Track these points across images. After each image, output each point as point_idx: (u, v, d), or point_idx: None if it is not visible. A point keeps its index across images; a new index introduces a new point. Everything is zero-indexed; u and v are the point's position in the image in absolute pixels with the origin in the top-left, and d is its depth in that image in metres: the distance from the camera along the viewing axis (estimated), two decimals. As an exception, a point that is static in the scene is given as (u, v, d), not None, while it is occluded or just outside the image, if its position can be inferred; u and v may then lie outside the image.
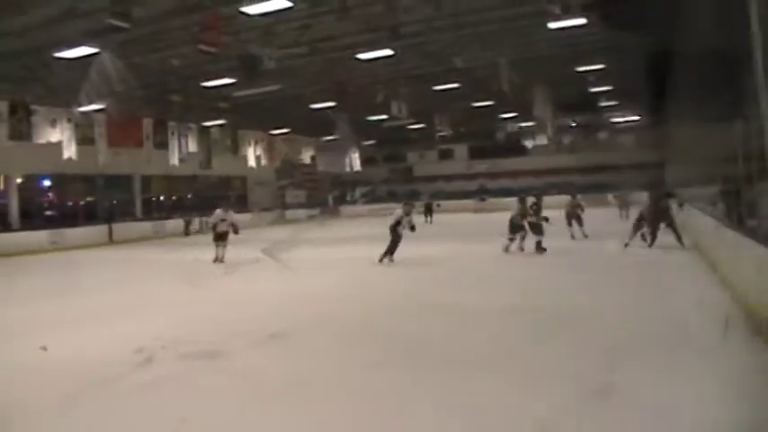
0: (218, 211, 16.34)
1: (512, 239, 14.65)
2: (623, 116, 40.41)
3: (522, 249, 14.50)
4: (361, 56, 20.37)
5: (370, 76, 24.51)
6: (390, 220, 14.03)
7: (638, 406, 4.57)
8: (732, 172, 7.64)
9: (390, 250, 13.85)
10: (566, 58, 23.24)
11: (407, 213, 13.94)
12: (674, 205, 13.43)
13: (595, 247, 14.95)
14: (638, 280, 10.27)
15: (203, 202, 34.81)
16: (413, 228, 13.79)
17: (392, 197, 46.83)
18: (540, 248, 14.13)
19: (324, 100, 27.67)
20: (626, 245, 13.92)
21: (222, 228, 16.09)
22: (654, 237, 13.83)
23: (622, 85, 28.49)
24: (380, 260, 13.77)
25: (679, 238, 13.47)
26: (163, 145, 29.60)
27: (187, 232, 29.64)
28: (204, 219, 26.91)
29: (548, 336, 6.95)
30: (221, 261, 15.75)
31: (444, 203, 40.07)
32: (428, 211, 30.41)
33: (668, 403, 4.57)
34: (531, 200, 14.92)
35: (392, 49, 19.63)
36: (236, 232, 16.13)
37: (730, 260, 8.09)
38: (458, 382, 5.44)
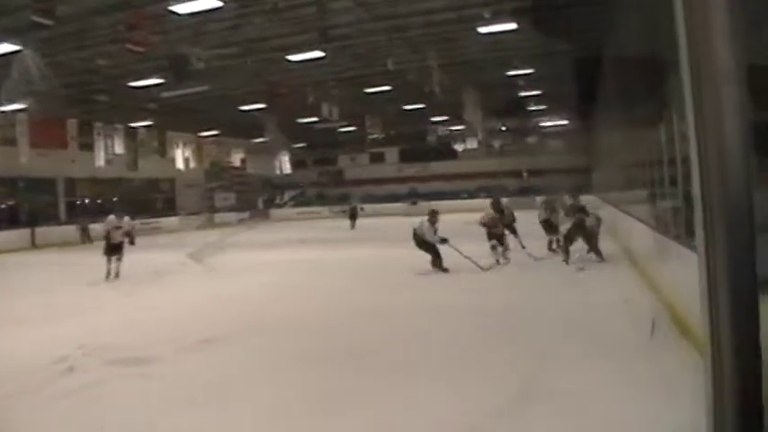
0: (111, 218, 14.14)
1: (494, 247, 13.09)
2: (552, 120, 41.30)
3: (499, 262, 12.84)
4: (292, 57, 20.23)
5: (301, 78, 24.35)
6: (418, 231, 12.49)
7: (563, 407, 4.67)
8: (658, 176, 7.91)
9: (436, 259, 12.35)
10: (496, 62, 23.63)
11: (433, 223, 12.40)
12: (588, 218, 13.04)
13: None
14: (561, 282, 10.55)
15: (130, 205, 33.99)
16: (443, 240, 12.17)
17: (322, 200, 46.86)
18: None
19: (254, 102, 27.35)
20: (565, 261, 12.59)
21: (116, 238, 13.74)
22: (566, 253, 12.67)
23: (552, 89, 29.09)
24: (441, 268, 12.23)
25: (597, 253, 12.58)
26: (88, 146, 28.98)
27: (85, 239, 27.04)
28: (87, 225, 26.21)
29: (481, 336, 7.05)
30: (116, 277, 13.49)
31: (375, 207, 40.24)
32: (352, 216, 30.02)
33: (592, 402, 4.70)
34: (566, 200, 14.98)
35: (323, 50, 19.56)
36: (131, 242, 14.15)
37: (656, 264, 8.38)
38: (388, 383, 5.45)
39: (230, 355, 6.84)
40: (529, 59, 23.28)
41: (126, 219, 14.42)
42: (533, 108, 35.67)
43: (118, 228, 13.84)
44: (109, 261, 13.62)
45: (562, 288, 9.87)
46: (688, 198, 5.79)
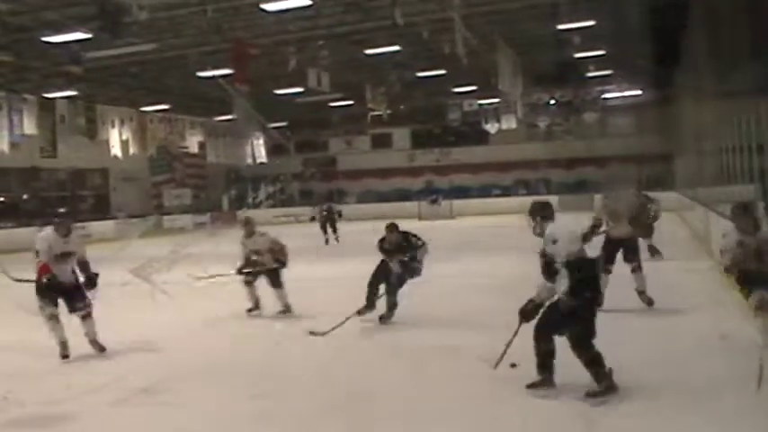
0: (47, 234, 9.83)
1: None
2: (618, 91, 41.26)
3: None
4: (268, 6, 20.17)
5: (280, 35, 24.31)
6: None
7: None
8: None
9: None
10: (541, 11, 23.55)
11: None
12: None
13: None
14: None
15: (45, 205, 33.90)
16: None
17: (307, 199, 46.80)
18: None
19: (216, 66, 27.28)
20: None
21: (64, 275, 9.73)
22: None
23: (618, 48, 29.00)
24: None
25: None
26: None
27: None
28: None
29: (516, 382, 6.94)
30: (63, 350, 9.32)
31: (378, 207, 40.19)
32: (329, 222, 26.41)
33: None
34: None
35: (310, -4, 19.58)
36: (90, 285, 9.98)
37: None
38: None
39: (172, 411, 6.78)
40: (587, 8, 23.18)
41: (74, 233, 10.25)
42: (593, 74, 35.59)
43: (65, 254, 9.75)
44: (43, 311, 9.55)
45: (638, 320, 9.80)
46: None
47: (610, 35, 26.73)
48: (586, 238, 9.33)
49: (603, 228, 11.03)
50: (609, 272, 10.00)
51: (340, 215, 27.37)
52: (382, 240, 10.63)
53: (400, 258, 10.36)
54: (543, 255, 6.61)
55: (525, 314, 6.61)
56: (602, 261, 9.00)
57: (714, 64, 13.75)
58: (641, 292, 10.47)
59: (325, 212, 26.87)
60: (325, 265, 19.23)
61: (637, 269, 10.52)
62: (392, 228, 10.69)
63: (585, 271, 6.38)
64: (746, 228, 7.23)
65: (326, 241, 26.00)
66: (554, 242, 6.45)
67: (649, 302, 10.42)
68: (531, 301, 6.61)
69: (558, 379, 6.53)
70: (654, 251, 16.44)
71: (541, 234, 6.66)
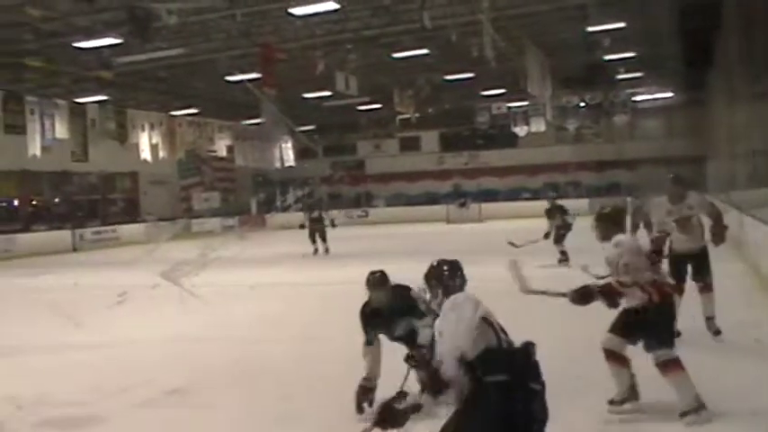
0: None
1: None
2: (649, 93, 40.99)
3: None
4: (296, 10, 20.28)
5: (308, 39, 24.40)
6: None
7: None
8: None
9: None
10: (571, 13, 23.47)
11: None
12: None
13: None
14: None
15: (77, 209, 34.34)
16: None
17: (336, 202, 46.86)
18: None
19: (244, 71, 27.42)
20: None
21: None
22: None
23: (649, 50, 28.87)
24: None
25: None
26: (17, 128, 28.44)
27: None
28: None
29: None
30: None
31: (406, 211, 40.23)
32: (318, 232, 23.82)
33: None
34: None
35: (337, 1, 19.60)
36: None
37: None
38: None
39: (201, 413, 6.85)
40: (617, 9, 23.07)
41: None
42: (623, 77, 35.38)
43: None
44: None
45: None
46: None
47: (640, 37, 26.62)
48: (654, 258, 7.26)
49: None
50: (681, 292, 8.38)
51: (333, 224, 24.92)
52: (366, 305, 6.74)
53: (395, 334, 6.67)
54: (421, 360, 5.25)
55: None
56: (674, 280, 8.00)
57: (748, 65, 13.69)
58: (709, 319, 8.77)
59: (314, 219, 24.17)
60: (360, 269, 19.24)
61: (705, 290, 8.79)
62: (378, 282, 6.66)
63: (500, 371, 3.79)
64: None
65: (315, 251, 23.47)
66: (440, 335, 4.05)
67: (716, 332, 8.65)
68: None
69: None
70: None
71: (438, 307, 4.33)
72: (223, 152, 41.49)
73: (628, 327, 6.07)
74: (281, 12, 20.59)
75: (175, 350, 9.68)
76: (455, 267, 4.53)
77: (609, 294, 6.00)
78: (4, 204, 32.92)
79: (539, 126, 40.75)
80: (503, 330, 3.97)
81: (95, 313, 12.93)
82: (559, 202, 18.70)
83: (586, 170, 42.66)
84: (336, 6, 19.89)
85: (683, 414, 5.75)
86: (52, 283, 18.58)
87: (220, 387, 7.65)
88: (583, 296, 5.92)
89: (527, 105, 39.52)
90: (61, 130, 30.16)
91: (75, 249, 30.79)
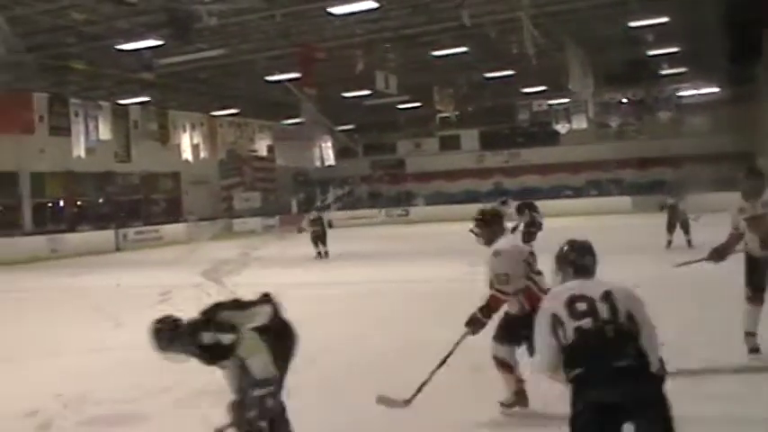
0: None
1: None
2: (694, 88, 40.43)
3: None
4: (335, 9, 20.34)
5: (347, 38, 24.46)
6: None
7: None
8: None
9: None
10: (612, 9, 23.28)
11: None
12: None
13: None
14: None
15: (120, 209, 34.72)
16: None
17: (375, 201, 46.88)
18: None
19: (284, 70, 27.61)
20: None
21: None
22: None
23: (693, 45, 28.58)
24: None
25: None
26: (61, 130, 28.89)
27: None
28: None
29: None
30: None
31: (446, 209, 40.06)
32: (318, 237, 23.14)
33: None
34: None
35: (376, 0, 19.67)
36: None
37: None
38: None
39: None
40: (660, 4, 22.84)
41: None
42: (666, 72, 35.01)
43: None
44: None
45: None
46: None
47: (684, 32, 26.30)
48: (722, 254, 7.47)
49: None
50: (761, 302, 7.42)
51: (330, 225, 24.30)
52: None
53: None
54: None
55: None
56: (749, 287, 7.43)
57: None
58: None
59: (315, 222, 23.67)
60: (394, 266, 19.27)
61: None
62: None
63: None
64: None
65: (319, 254, 22.77)
66: None
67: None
68: None
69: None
70: None
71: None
72: (263, 152, 41.78)
73: (511, 332, 6.07)
74: (321, 11, 20.65)
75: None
76: (585, 248, 4.50)
77: (490, 310, 6.07)
78: (50, 205, 33.29)
79: (580, 123, 40.39)
80: (595, 309, 3.95)
81: (138, 312, 13.03)
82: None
83: (629, 167, 42.25)
84: (376, 5, 19.90)
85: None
86: (96, 282, 18.81)
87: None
88: (473, 324, 6.05)
89: (568, 102, 39.21)
90: (104, 132, 30.64)
91: (118, 249, 31.10)
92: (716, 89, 39.13)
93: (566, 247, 4.49)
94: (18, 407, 7.07)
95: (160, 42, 22.03)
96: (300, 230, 25.15)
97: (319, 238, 22.94)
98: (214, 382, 7.65)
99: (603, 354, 3.82)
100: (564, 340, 3.93)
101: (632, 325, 3.92)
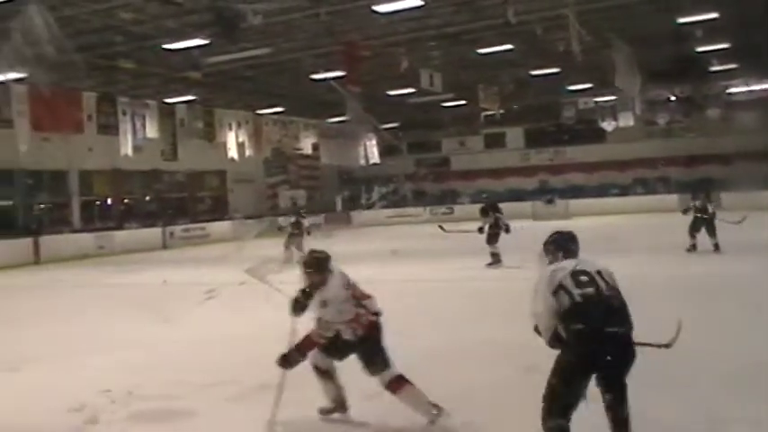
0: None
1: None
2: (745, 85, 39.87)
3: None
4: (380, 7, 20.36)
5: (392, 36, 24.47)
6: None
7: None
8: None
9: None
10: (660, 5, 23.04)
11: None
12: None
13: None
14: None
15: (167, 207, 35.07)
16: None
17: (420, 199, 46.82)
18: None
19: (329, 69, 27.68)
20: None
21: None
22: None
23: (744, 41, 28.16)
24: None
25: None
26: (109, 129, 28.95)
27: None
28: None
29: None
30: None
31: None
32: (293, 241, 22.06)
33: None
34: None
35: (422, -3, 19.64)
36: None
37: None
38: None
39: (288, 409, 6.89)
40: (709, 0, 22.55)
41: None
42: (716, 69, 34.53)
43: None
44: None
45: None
46: None
47: (734, 27, 25.94)
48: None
49: None
50: None
51: (309, 232, 23.09)
52: None
53: None
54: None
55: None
56: None
57: None
58: None
59: (293, 225, 22.93)
60: (440, 264, 19.26)
61: None
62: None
63: None
64: None
65: (287, 260, 20.15)
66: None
67: None
68: None
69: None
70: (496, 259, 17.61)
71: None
72: (308, 150, 41.83)
73: (336, 349, 6.43)
74: (365, 9, 20.65)
75: (262, 346, 9.78)
76: (573, 236, 5.40)
77: (301, 349, 6.58)
78: (98, 203, 33.74)
79: (627, 121, 40.01)
80: (595, 281, 4.85)
81: (184, 309, 13.23)
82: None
83: (676, 165, 41.75)
84: (420, 3, 19.87)
85: (431, 422, 6.00)
86: (143, 279, 19.07)
87: (308, 383, 7.71)
88: (286, 362, 6.55)
89: (615, 100, 38.88)
90: (151, 130, 30.67)
91: (165, 246, 31.43)
92: (766, 85, 38.50)
93: (556, 235, 5.42)
94: (66, 401, 7.18)
95: (207, 42, 22.23)
96: (280, 228, 25.28)
97: (295, 245, 21.70)
98: (260, 378, 7.77)
99: (604, 318, 4.68)
100: (565, 305, 4.76)
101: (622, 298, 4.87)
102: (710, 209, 18.23)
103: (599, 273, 4.90)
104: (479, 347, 9.06)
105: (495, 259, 17.52)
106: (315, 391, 7.33)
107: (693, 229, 18.26)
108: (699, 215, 18.20)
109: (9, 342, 10.96)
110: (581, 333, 4.67)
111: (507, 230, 17.83)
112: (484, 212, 18.24)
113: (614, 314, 4.74)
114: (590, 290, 4.76)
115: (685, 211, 19.07)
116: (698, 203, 18.33)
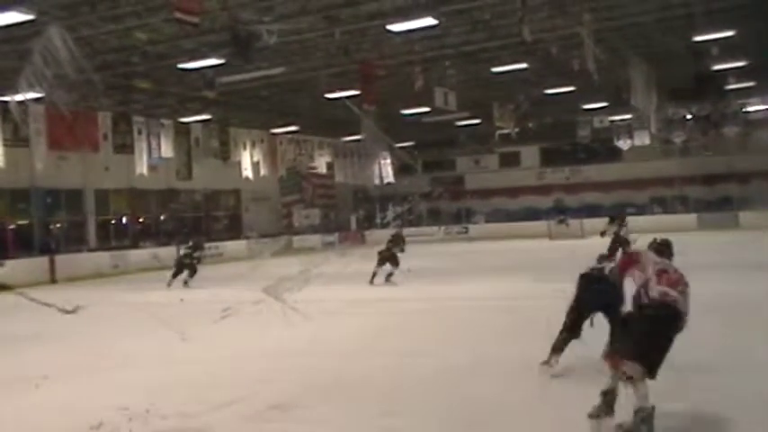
0: None
1: None
2: (762, 104, 39.85)
3: None
4: (394, 27, 20.45)
5: (406, 55, 24.57)
6: None
7: None
8: None
9: None
10: (676, 23, 23.04)
11: None
12: None
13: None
14: None
15: (182, 226, 35.19)
16: None
17: (435, 218, 46.81)
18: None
19: (344, 88, 27.78)
20: None
21: None
22: None
23: (761, 59, 28.14)
24: None
25: None
26: (125, 148, 29.19)
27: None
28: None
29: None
30: None
31: (507, 227, 39.86)
32: (187, 267, 21.98)
33: None
34: None
35: (436, 17, 19.69)
36: None
37: None
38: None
39: (304, 427, 6.94)
40: (725, 18, 22.53)
41: None
42: (733, 87, 34.46)
43: None
44: None
45: None
46: None
47: (751, 45, 25.93)
48: None
49: None
50: None
51: (199, 261, 22.44)
52: None
53: None
54: None
55: None
56: None
57: None
58: None
59: (188, 252, 22.75)
60: (462, 285, 19.26)
61: None
62: None
63: None
64: None
65: (169, 284, 21.18)
66: None
67: None
68: None
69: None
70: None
71: None
72: (323, 169, 42.04)
73: None
74: (380, 29, 20.77)
75: (278, 364, 9.86)
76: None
77: None
78: (113, 222, 33.91)
79: (643, 139, 40.05)
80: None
81: (201, 328, 13.28)
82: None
83: (694, 184, 41.65)
84: (435, 22, 19.95)
85: None
86: (159, 298, 19.13)
87: (323, 401, 7.74)
88: None
89: (630, 118, 38.88)
90: (167, 149, 30.96)
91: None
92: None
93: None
94: (84, 419, 7.23)
95: (222, 61, 22.37)
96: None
97: (189, 267, 21.82)
98: (276, 396, 7.82)
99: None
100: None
101: None
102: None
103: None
104: (502, 365, 9.08)
105: (372, 278, 19.39)
106: (328, 409, 7.43)
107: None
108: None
109: (30, 360, 11.08)
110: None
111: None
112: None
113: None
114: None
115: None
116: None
